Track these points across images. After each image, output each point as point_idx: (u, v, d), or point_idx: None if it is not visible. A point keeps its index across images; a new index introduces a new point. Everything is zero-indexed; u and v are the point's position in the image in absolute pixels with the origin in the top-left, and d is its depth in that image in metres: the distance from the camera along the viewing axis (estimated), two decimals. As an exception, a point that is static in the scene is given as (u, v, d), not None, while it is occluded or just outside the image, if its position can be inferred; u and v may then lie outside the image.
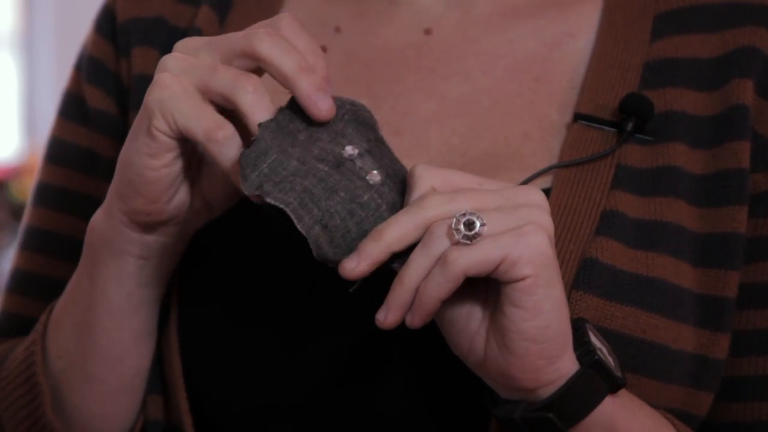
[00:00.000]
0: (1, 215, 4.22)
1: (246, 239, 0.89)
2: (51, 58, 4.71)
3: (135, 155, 0.80)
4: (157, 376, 0.92)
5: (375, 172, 0.77)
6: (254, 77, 0.78)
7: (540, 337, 0.74)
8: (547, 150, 0.90)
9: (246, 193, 0.76)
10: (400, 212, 0.75)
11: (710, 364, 0.88)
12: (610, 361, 0.78)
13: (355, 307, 0.80)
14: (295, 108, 0.79)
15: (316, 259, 0.76)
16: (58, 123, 1.02)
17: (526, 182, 0.87)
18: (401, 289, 0.74)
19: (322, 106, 0.77)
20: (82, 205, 0.98)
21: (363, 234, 0.75)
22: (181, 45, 0.80)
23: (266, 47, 0.77)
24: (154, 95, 0.78)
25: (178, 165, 0.81)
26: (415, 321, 0.75)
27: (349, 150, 0.78)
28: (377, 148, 0.79)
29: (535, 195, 0.76)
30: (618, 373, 0.78)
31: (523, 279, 0.73)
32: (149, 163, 0.80)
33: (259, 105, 0.77)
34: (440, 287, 0.73)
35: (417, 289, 0.74)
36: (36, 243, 1.01)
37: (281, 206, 0.76)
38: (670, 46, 0.92)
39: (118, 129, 0.98)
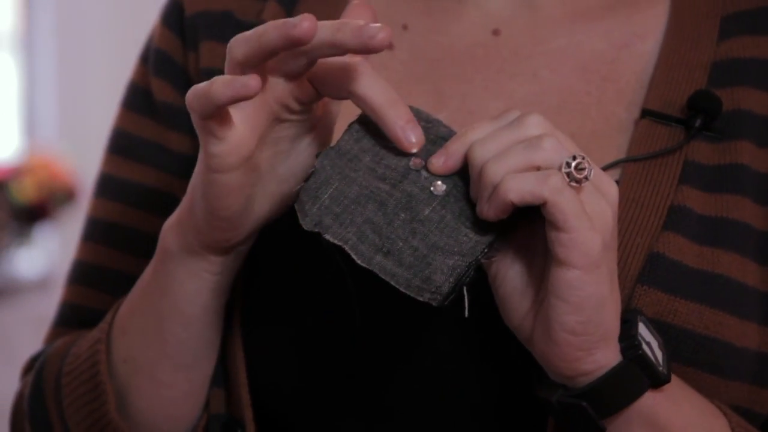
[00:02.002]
0: (1, 215, 4.21)
1: (308, 234, 0.89)
2: (51, 58, 4.70)
3: (201, 197, 0.81)
4: (220, 370, 0.92)
5: (440, 182, 0.77)
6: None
7: (580, 330, 0.75)
8: (615, 146, 0.91)
9: (305, 228, 0.77)
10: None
11: (775, 363, 0.88)
12: (657, 355, 0.79)
13: (409, 304, 0.80)
14: (361, 130, 0.79)
15: (405, 293, 0.76)
16: (122, 114, 1.02)
17: None
18: (462, 142, 0.77)
19: (412, 139, 0.78)
20: (149, 198, 0.98)
21: (432, 247, 0.76)
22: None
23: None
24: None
25: (246, 195, 0.80)
26: (488, 212, 0.75)
27: (416, 161, 0.78)
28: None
29: (612, 188, 0.77)
30: (662, 369, 0.79)
31: (568, 267, 0.74)
32: (217, 205, 0.80)
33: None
34: (517, 190, 0.74)
35: (489, 174, 0.75)
36: (100, 235, 1.01)
37: (340, 244, 0.76)
38: (738, 46, 0.93)
39: (184, 122, 0.97)
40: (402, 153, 0.78)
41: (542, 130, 0.76)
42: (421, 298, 0.76)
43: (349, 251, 0.76)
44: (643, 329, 0.79)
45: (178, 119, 0.99)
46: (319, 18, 0.77)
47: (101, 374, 0.90)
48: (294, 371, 0.90)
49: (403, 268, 0.76)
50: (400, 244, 0.76)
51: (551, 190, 0.73)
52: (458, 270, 0.76)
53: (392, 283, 0.76)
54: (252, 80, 0.74)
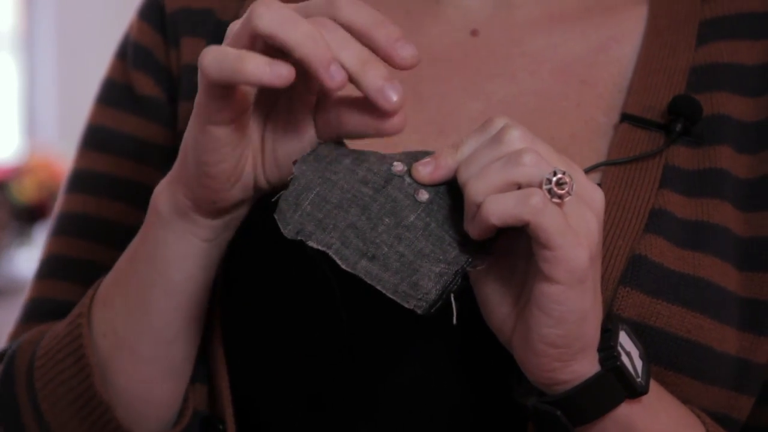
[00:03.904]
0: (1, 215, 4.22)
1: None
2: (51, 58, 4.71)
3: (191, 151, 0.80)
4: (203, 366, 0.92)
5: (423, 190, 0.76)
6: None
7: (560, 343, 0.75)
8: (594, 150, 0.91)
9: (287, 237, 0.76)
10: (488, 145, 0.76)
11: (752, 368, 0.88)
12: (636, 366, 0.79)
13: (394, 308, 0.80)
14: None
15: (392, 298, 0.75)
16: (98, 110, 1.02)
17: None
18: (453, 158, 0.76)
19: (388, 97, 0.75)
20: (129, 191, 0.98)
21: (418, 254, 0.75)
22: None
23: (306, 40, 0.74)
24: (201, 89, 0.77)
25: (235, 156, 0.80)
26: (473, 232, 0.75)
27: (398, 167, 0.77)
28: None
29: (597, 197, 0.76)
30: (640, 380, 0.78)
31: (552, 282, 0.73)
32: (206, 159, 0.79)
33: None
34: (498, 213, 0.72)
35: (471, 193, 0.74)
36: (74, 228, 1.00)
37: (323, 249, 0.76)
38: (716, 51, 0.93)
39: (167, 116, 0.98)
40: (383, 157, 0.77)
41: (523, 144, 0.74)
42: (406, 305, 0.75)
43: (333, 256, 0.75)
44: (624, 338, 0.79)
45: (160, 112, 0.99)
46: None
47: (84, 347, 0.89)
48: (276, 372, 0.89)
49: (390, 273, 0.75)
50: (386, 249, 0.75)
51: (532, 211, 0.72)
52: (445, 278, 0.75)
53: (378, 287, 0.75)
54: (290, 72, 0.73)
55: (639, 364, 0.79)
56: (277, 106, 0.80)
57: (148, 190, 0.96)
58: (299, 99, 0.79)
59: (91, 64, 4.77)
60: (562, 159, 0.75)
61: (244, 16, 0.75)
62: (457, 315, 0.75)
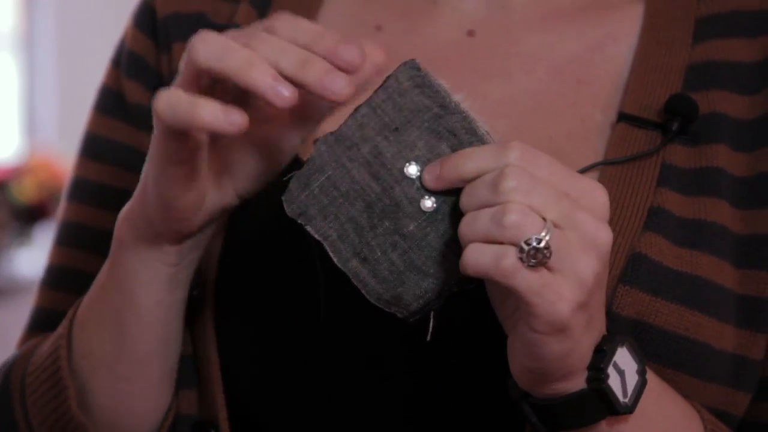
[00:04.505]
0: (1, 215, 4.22)
1: (283, 233, 0.89)
2: (51, 58, 4.71)
3: (152, 186, 0.80)
4: (192, 371, 0.92)
5: (428, 197, 0.75)
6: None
7: (539, 372, 0.75)
8: (591, 149, 0.91)
9: (288, 214, 0.76)
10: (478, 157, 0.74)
11: (749, 365, 0.88)
12: (626, 385, 0.78)
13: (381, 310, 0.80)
14: (367, 115, 0.76)
15: (372, 302, 0.76)
16: (94, 118, 1.02)
17: None
18: (456, 171, 0.74)
19: (334, 88, 0.74)
20: (123, 201, 0.98)
21: (410, 265, 0.75)
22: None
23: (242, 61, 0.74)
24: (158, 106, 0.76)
25: (198, 186, 0.80)
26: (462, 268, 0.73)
27: (412, 170, 0.76)
28: None
29: (603, 236, 0.74)
30: (625, 401, 0.77)
31: (529, 329, 0.73)
32: (168, 195, 0.79)
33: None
34: (474, 266, 0.72)
35: (461, 234, 0.73)
36: (73, 239, 1.01)
37: (319, 239, 0.76)
38: (712, 49, 0.94)
39: None
40: (400, 152, 0.76)
41: (515, 196, 0.72)
42: (387, 310, 0.76)
43: (328, 248, 0.75)
44: (623, 355, 0.77)
45: (150, 121, 0.98)
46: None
47: (62, 370, 0.89)
48: (267, 371, 0.90)
49: (377, 281, 0.75)
50: (378, 254, 0.75)
51: (503, 273, 0.71)
52: (429, 294, 0.75)
53: (363, 291, 0.75)
54: (243, 119, 0.73)
55: (633, 381, 0.78)
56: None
57: None
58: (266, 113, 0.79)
59: (91, 64, 4.77)
60: (567, 197, 0.73)
61: (184, 53, 0.76)
62: (431, 332, 0.75)
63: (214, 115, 0.73)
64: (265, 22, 0.76)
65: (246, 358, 0.90)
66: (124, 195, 0.98)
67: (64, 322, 0.92)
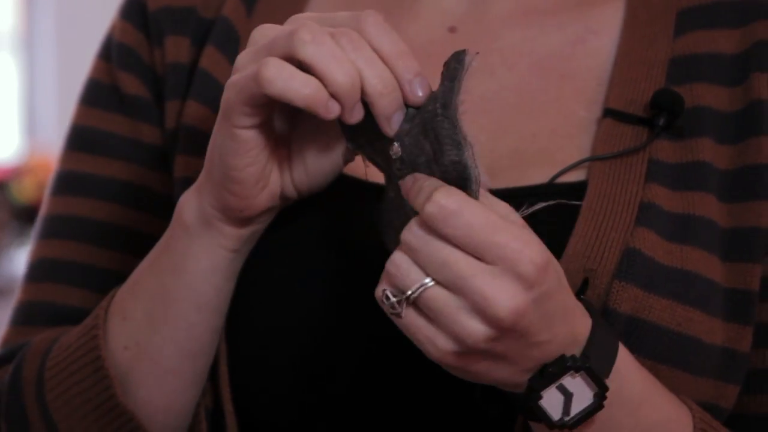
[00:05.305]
0: (1, 215, 4.22)
1: (289, 231, 0.89)
2: (51, 58, 4.71)
3: (218, 156, 0.81)
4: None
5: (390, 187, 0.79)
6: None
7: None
8: (576, 146, 0.91)
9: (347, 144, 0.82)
10: None
11: (738, 358, 0.89)
12: (569, 408, 0.77)
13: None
14: (412, 138, 0.78)
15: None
16: (83, 111, 1.01)
17: (558, 175, 0.88)
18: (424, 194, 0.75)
19: (394, 122, 0.78)
20: (122, 192, 0.98)
21: (389, 225, 0.78)
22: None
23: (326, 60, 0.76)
24: (229, 93, 0.78)
25: (262, 160, 0.81)
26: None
27: (395, 148, 0.78)
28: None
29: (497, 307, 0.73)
30: (563, 418, 0.77)
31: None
32: (234, 163, 0.80)
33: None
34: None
35: None
36: (66, 231, 0.99)
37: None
38: (694, 41, 0.93)
39: (154, 115, 0.98)
40: (398, 134, 0.78)
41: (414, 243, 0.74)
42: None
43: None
44: (574, 382, 0.77)
45: (148, 112, 0.99)
46: (280, 15, 0.78)
47: (102, 359, 0.88)
48: (273, 366, 0.89)
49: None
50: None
51: (388, 310, 0.74)
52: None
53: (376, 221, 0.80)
54: (339, 111, 0.77)
55: (583, 404, 0.77)
56: (302, 113, 0.81)
57: (139, 190, 0.96)
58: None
59: (91, 64, 4.78)
60: (464, 261, 0.73)
61: (287, 32, 0.77)
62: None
63: (321, 96, 0.76)
64: (355, 17, 0.79)
65: (251, 352, 0.89)
66: (122, 185, 0.98)
67: (98, 312, 0.90)
